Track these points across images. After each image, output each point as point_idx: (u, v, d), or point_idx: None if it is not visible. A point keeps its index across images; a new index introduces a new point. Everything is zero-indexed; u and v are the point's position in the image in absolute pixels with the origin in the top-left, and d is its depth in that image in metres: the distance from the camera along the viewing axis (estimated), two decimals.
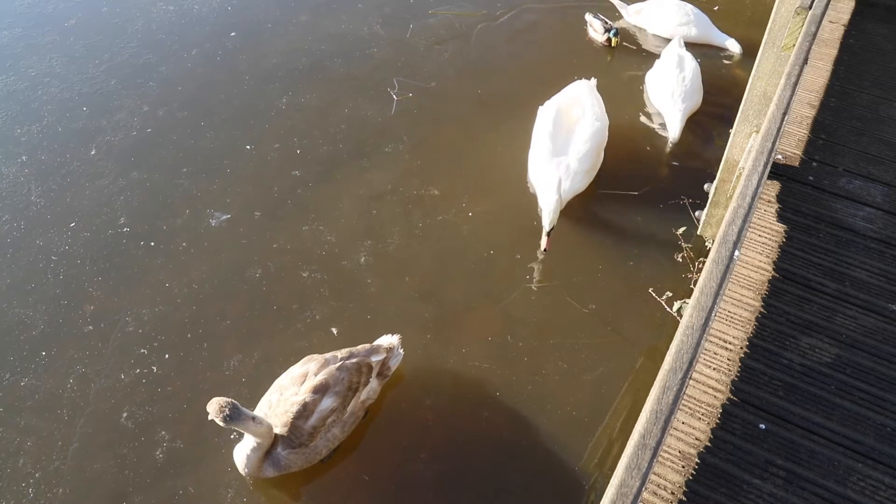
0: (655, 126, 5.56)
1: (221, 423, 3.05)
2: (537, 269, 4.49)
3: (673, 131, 5.32)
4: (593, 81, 5.49)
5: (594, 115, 4.99)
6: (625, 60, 6.27)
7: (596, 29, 6.43)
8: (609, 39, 6.31)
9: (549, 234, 4.39)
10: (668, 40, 6.48)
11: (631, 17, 6.74)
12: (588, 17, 6.57)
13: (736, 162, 4.10)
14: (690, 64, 5.62)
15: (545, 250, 4.45)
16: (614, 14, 6.81)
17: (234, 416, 3.04)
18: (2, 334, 4.05)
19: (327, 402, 3.37)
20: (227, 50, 6.27)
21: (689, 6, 6.46)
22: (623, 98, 5.85)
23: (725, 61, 6.31)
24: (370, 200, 4.93)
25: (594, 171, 4.90)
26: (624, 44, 6.47)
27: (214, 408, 3.06)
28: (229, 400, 3.08)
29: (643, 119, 5.63)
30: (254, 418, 3.13)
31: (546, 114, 5.10)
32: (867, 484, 2.21)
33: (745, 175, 2.56)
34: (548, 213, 4.37)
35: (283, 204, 4.88)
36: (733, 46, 6.33)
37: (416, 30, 6.59)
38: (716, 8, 6.96)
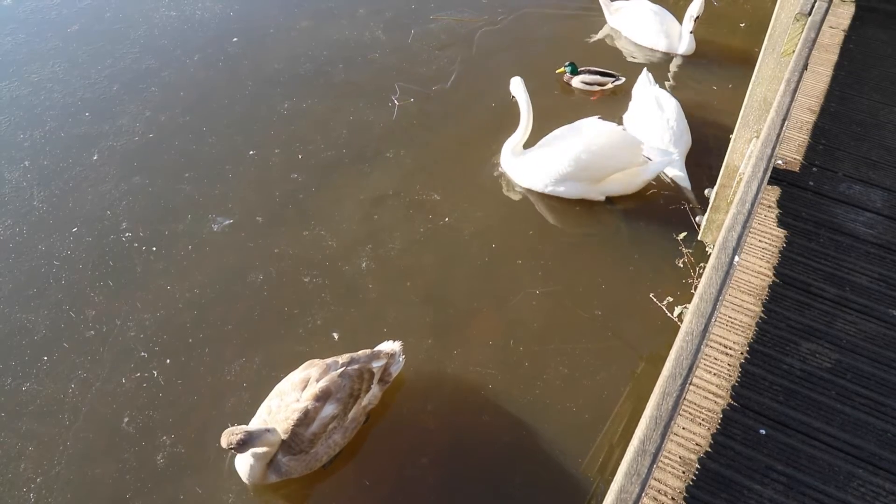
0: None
1: (239, 450, 3.05)
2: (539, 274, 4.49)
3: (682, 181, 5.05)
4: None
5: (584, 145, 4.74)
6: (631, 60, 6.28)
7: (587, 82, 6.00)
8: (563, 71, 5.98)
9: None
10: (643, 48, 6.48)
11: (612, 16, 6.71)
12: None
13: (736, 167, 4.11)
14: (670, 103, 5.30)
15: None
16: (602, 20, 6.82)
17: (248, 439, 3.05)
18: (3, 339, 4.06)
19: (329, 409, 3.37)
20: (229, 55, 6.30)
21: (669, 16, 6.46)
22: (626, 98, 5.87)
23: (726, 69, 6.32)
24: (372, 205, 4.94)
25: (572, 192, 4.87)
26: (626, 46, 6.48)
27: (227, 439, 3.05)
28: (238, 427, 3.09)
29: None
30: (268, 430, 3.15)
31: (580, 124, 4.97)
32: (868, 489, 2.20)
33: (745, 180, 2.57)
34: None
35: (285, 209, 4.90)
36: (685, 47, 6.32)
37: (418, 35, 6.61)
38: (742, 24, 6.93)
